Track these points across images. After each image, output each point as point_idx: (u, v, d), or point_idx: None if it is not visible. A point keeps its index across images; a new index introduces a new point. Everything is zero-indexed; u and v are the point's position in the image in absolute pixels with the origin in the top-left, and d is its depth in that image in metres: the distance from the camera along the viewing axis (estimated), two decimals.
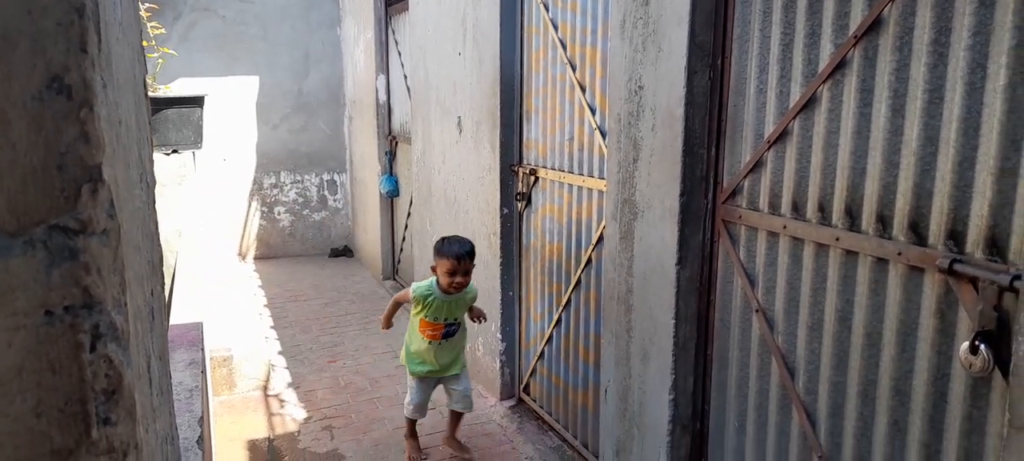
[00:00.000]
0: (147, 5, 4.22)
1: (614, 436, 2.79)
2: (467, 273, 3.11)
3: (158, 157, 3.99)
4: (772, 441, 2.14)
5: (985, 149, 1.48)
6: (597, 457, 3.08)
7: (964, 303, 1.53)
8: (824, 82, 1.84)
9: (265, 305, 5.93)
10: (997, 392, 1.49)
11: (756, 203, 2.13)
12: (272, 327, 5.36)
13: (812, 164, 1.92)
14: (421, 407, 3.34)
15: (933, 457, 1.65)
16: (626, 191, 2.56)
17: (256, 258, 7.61)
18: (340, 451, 3.46)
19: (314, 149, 7.69)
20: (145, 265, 0.80)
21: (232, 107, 7.28)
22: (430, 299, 3.14)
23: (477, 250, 3.29)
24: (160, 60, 4.58)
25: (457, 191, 4.37)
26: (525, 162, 3.68)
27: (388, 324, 3.44)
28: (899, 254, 1.67)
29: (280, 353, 4.80)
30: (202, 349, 2.52)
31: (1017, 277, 1.38)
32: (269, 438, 3.63)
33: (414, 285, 3.23)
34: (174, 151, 4.18)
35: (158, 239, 1.01)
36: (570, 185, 3.22)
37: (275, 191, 7.63)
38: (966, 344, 1.49)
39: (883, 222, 1.73)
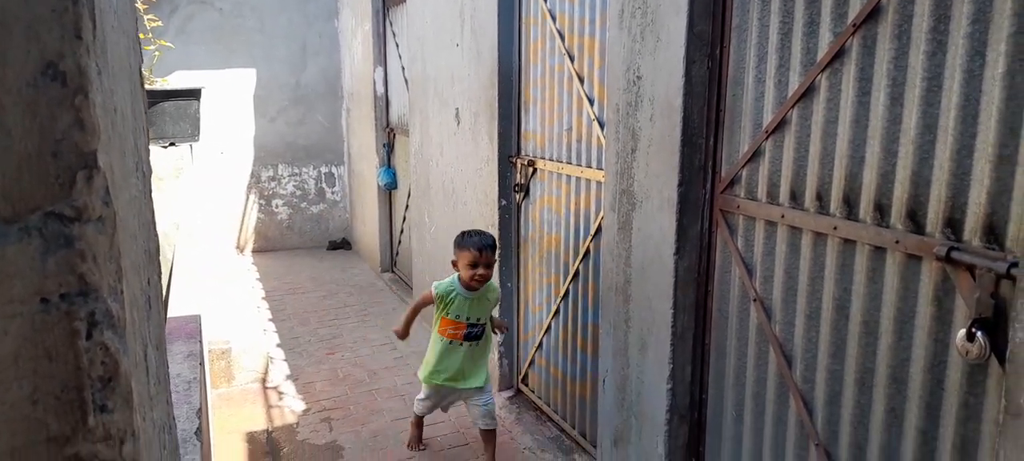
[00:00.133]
0: None
1: (612, 426, 2.80)
2: (489, 265, 3.05)
3: (155, 150, 3.98)
4: (769, 430, 2.14)
5: (983, 137, 1.48)
6: (595, 447, 3.09)
7: (961, 291, 1.53)
8: (822, 71, 1.84)
9: (263, 298, 5.93)
10: (993, 379, 1.50)
11: (754, 193, 2.13)
12: (270, 320, 5.36)
13: (810, 153, 1.92)
14: (431, 410, 3.31)
15: (929, 444, 1.66)
16: (624, 181, 2.56)
17: (254, 251, 7.61)
18: (339, 443, 3.47)
19: (312, 142, 7.68)
20: (142, 254, 0.80)
21: (229, 100, 7.26)
22: (452, 296, 3.08)
23: None
24: (157, 53, 4.57)
25: (455, 183, 4.36)
26: (523, 153, 3.67)
27: (405, 332, 3.26)
28: (897, 242, 1.67)
29: (278, 345, 4.80)
30: (200, 341, 2.53)
31: (1014, 264, 1.38)
32: (268, 430, 3.63)
33: (435, 283, 3.16)
34: (171, 144, 4.18)
35: (155, 228, 1.00)
36: (568, 176, 3.22)
37: (273, 184, 7.62)
38: (963, 331, 1.50)
39: (881, 211, 1.73)
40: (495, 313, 3.38)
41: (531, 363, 3.77)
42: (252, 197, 7.58)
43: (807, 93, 1.90)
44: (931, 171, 1.60)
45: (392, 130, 6.29)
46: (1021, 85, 1.40)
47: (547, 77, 3.36)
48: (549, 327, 3.54)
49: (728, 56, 2.18)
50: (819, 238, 1.91)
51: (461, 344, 3.12)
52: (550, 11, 3.27)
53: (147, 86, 3.88)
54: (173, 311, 2.87)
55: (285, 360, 4.55)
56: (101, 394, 0.57)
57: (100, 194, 0.56)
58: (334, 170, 7.81)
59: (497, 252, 3.10)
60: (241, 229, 7.60)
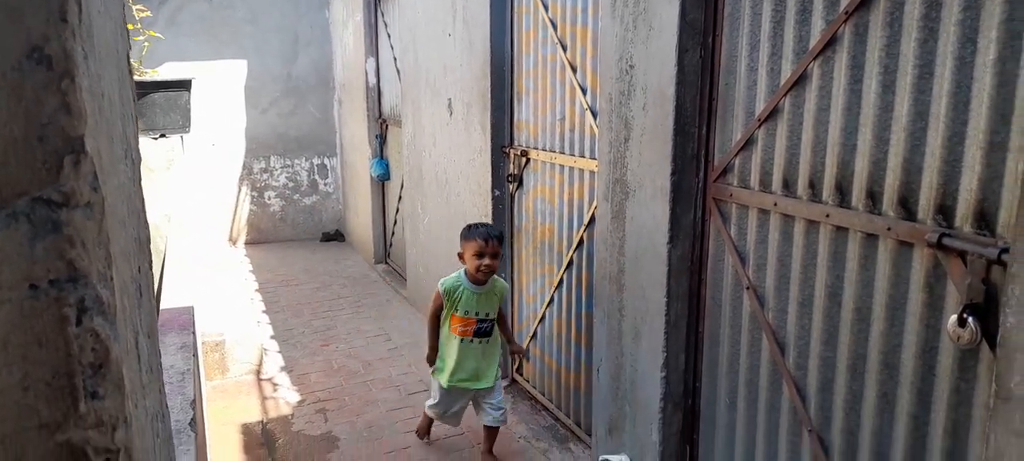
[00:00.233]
0: None
1: (607, 414, 2.81)
2: (495, 256, 3.03)
3: (146, 142, 3.95)
4: (763, 416, 2.15)
5: (975, 124, 1.48)
6: (590, 435, 3.10)
7: (952, 277, 1.54)
8: (815, 59, 1.84)
9: (256, 290, 5.91)
10: (984, 364, 1.51)
11: (747, 181, 2.13)
12: (264, 311, 5.35)
13: (803, 141, 1.92)
14: (444, 416, 3.24)
15: (921, 429, 1.67)
16: (617, 171, 2.56)
17: (247, 243, 7.58)
18: (334, 433, 3.47)
19: (304, 133, 7.64)
20: (131, 241, 0.79)
21: (220, 92, 7.22)
22: (459, 291, 3.06)
23: None
24: (147, 44, 4.52)
25: (448, 173, 4.35)
26: (516, 143, 3.67)
27: (434, 350, 3.19)
28: (889, 229, 1.68)
29: (272, 337, 4.80)
30: (193, 333, 2.52)
31: (1005, 250, 1.39)
32: (263, 421, 3.63)
33: (441, 280, 3.13)
34: (162, 135, 4.15)
35: (145, 216, 1.00)
36: (561, 166, 3.22)
37: (265, 176, 7.59)
38: (954, 317, 1.51)
39: (873, 198, 1.73)
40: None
41: (526, 353, 3.78)
42: (244, 189, 7.54)
43: (799, 81, 1.90)
44: (923, 158, 1.60)
45: (384, 121, 6.26)
46: (1012, 72, 1.41)
47: (540, 67, 3.35)
48: (543, 317, 3.54)
49: (721, 44, 2.18)
50: (812, 226, 1.92)
51: (472, 341, 3.10)
52: (542, 0, 3.25)
53: (137, 77, 3.85)
54: (166, 303, 2.85)
55: (279, 352, 4.54)
56: (92, 381, 0.56)
57: (88, 179, 0.55)
58: (326, 161, 7.78)
59: (503, 243, 3.07)
60: (233, 221, 7.57)
